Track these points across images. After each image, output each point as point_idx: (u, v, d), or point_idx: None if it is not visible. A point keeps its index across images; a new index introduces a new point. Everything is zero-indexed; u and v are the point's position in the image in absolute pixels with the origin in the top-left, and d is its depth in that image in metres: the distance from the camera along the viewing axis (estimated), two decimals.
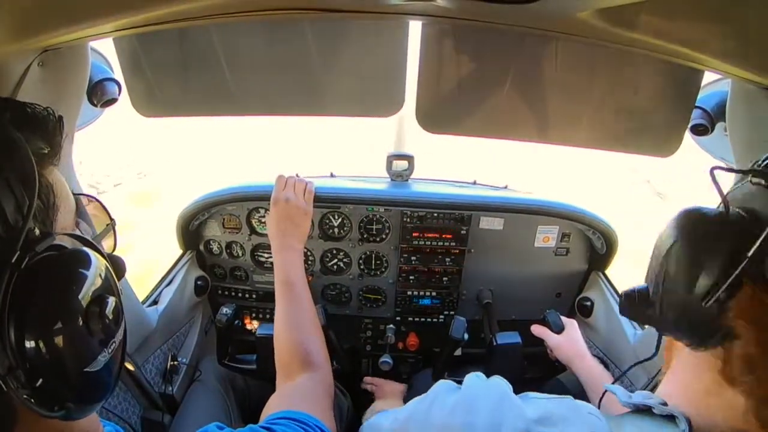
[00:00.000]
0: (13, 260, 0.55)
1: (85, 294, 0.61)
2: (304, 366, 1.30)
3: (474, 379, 1.01)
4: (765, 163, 0.72)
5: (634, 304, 0.83)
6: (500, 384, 0.97)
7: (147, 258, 4.95)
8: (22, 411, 0.58)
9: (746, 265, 0.64)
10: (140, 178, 8.91)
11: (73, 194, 0.73)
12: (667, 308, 0.76)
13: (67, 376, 0.59)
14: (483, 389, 0.96)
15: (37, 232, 0.60)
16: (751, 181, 0.72)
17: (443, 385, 1.04)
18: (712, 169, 0.76)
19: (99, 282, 0.63)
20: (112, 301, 0.64)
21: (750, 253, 0.64)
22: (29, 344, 0.55)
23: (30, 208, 0.57)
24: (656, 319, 0.79)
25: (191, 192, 2.11)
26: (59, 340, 0.57)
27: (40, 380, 0.56)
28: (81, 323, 0.60)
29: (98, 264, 0.64)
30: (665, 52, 1.02)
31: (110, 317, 0.63)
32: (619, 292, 0.82)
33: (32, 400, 0.56)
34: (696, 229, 0.73)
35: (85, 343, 0.61)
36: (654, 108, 1.42)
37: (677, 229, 0.74)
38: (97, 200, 0.86)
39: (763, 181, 0.69)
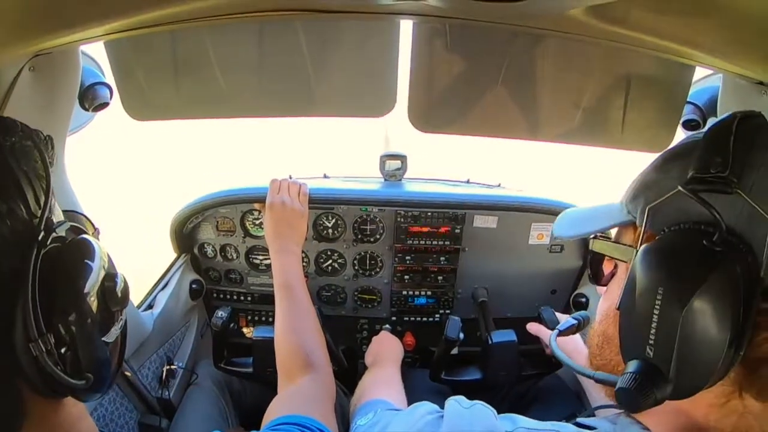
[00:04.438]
0: (39, 238, 0.62)
1: (100, 271, 0.68)
2: (305, 368, 1.30)
3: (455, 408, 1.00)
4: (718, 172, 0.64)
5: (650, 388, 0.66)
6: (482, 414, 0.96)
7: None
8: (30, 404, 0.63)
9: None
10: None
11: (63, 211, 0.78)
12: (685, 377, 0.65)
13: (88, 345, 0.66)
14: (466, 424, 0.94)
15: (54, 219, 0.68)
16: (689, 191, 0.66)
17: (423, 409, 1.04)
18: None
19: (108, 262, 0.72)
20: (121, 277, 0.73)
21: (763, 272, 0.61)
22: (55, 315, 0.61)
23: (47, 199, 0.65)
24: (670, 394, 0.66)
25: None
26: (82, 311, 0.64)
27: (64, 348, 0.62)
28: (99, 297, 0.68)
29: (103, 248, 0.72)
30: (656, 49, 1.03)
31: (120, 293, 0.72)
32: (618, 387, 0.70)
33: (57, 367, 0.61)
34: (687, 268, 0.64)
35: (102, 315, 0.68)
36: (646, 104, 1.43)
37: (665, 275, 0.66)
38: (81, 214, 0.89)
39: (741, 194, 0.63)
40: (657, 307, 0.65)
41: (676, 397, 0.66)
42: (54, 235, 0.65)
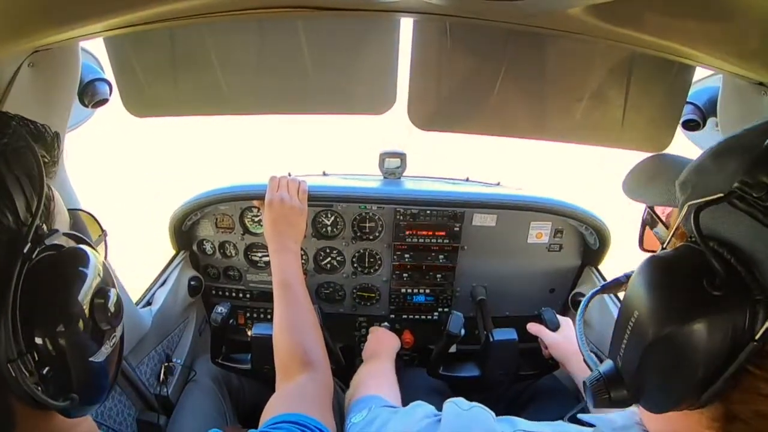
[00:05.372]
0: (25, 251, 0.58)
1: (90, 286, 0.64)
2: (303, 366, 1.30)
3: (453, 410, 1.00)
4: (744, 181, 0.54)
5: (605, 391, 0.67)
6: (480, 417, 0.96)
7: None
8: (20, 414, 0.61)
9: (753, 349, 0.52)
10: None
11: (68, 210, 0.76)
12: (645, 400, 0.65)
13: (74, 365, 0.62)
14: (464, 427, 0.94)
15: (45, 228, 0.64)
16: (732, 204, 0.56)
17: (422, 411, 1.03)
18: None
19: (101, 276, 0.67)
20: (114, 293, 0.68)
21: (758, 335, 0.52)
22: (38, 332, 0.58)
23: (38, 206, 0.61)
24: (634, 401, 0.67)
25: None
26: (67, 330, 0.60)
27: (47, 368, 0.59)
28: (87, 314, 0.63)
29: (98, 259, 0.68)
30: (657, 48, 1.03)
31: (113, 309, 0.67)
32: (585, 384, 0.72)
33: (39, 388, 0.58)
34: (679, 296, 0.58)
35: (91, 333, 0.64)
36: (646, 104, 1.43)
37: (650, 296, 0.60)
38: (89, 213, 0.88)
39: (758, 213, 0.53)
40: (632, 321, 0.62)
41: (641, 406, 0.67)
42: (43, 245, 0.62)
